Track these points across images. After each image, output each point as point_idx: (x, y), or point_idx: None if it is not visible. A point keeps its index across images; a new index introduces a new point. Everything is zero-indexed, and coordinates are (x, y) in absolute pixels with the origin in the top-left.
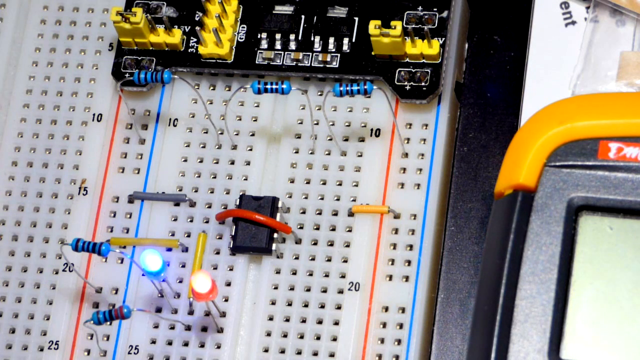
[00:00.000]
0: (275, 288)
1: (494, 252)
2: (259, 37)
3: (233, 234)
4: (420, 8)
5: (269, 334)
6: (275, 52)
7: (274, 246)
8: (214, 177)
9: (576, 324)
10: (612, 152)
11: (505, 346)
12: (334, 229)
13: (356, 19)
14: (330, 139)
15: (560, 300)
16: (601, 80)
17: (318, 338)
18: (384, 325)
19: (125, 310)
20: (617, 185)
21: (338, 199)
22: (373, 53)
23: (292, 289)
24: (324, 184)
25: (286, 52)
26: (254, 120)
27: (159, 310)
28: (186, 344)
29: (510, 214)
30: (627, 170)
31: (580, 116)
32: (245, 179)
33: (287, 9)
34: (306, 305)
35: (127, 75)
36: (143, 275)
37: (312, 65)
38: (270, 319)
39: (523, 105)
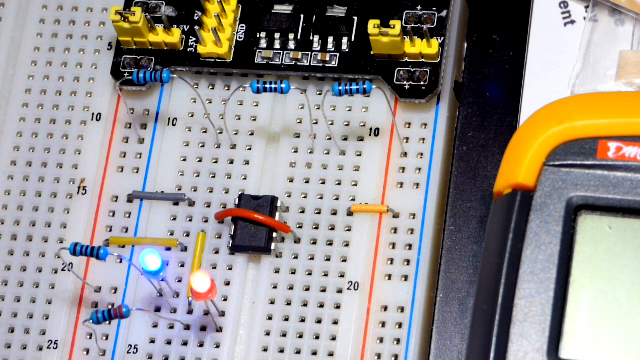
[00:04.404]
0: (275, 287)
1: (493, 252)
2: (258, 36)
3: (232, 233)
4: (419, 7)
5: (268, 334)
6: (275, 51)
7: (273, 245)
8: (213, 177)
9: (575, 324)
10: (611, 151)
11: (505, 345)
12: (333, 229)
13: (355, 18)
14: (330, 139)
15: (560, 300)
16: (600, 79)
17: (317, 337)
18: (383, 324)
19: (124, 309)
20: (616, 185)
21: (337, 199)
22: (372, 52)
23: (291, 288)
24: (323, 183)
25: (285, 52)
26: (253, 120)
27: (158, 309)
28: (185, 344)
29: (509, 214)
30: (626, 170)
31: (580, 116)
32: (245, 179)
33: (286, 9)
34: (305, 305)
35: (126, 74)
36: (142, 274)
37: (311, 64)
38: (270, 318)
39: (522, 104)
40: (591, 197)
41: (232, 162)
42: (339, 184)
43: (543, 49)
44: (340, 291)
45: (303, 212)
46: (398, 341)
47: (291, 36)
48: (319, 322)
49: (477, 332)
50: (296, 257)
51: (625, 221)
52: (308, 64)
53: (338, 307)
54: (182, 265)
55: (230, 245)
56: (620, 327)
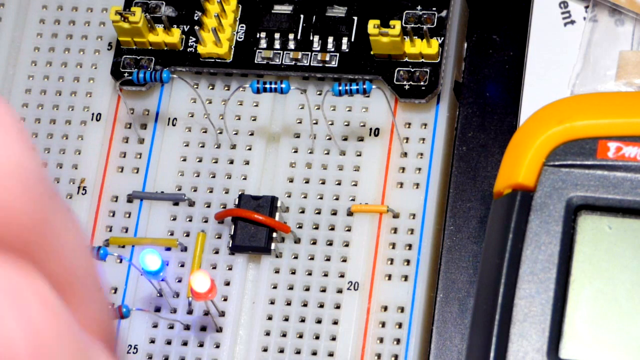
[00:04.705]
0: (274, 287)
1: (493, 252)
2: (258, 36)
3: (232, 233)
4: (419, 7)
5: (267, 334)
6: (274, 51)
7: (273, 245)
8: (213, 177)
9: (575, 324)
10: (611, 151)
11: (504, 345)
12: (333, 229)
13: (355, 18)
14: (329, 139)
15: (559, 300)
16: (600, 79)
17: (317, 337)
18: (383, 324)
19: (124, 309)
20: (616, 185)
21: (337, 199)
22: (372, 52)
23: (291, 288)
24: (323, 183)
25: (285, 52)
26: (253, 120)
27: (158, 309)
28: (185, 344)
29: (509, 214)
30: (626, 170)
31: (579, 116)
32: (244, 179)
33: (286, 9)
34: (305, 305)
35: (126, 74)
36: (142, 274)
37: (311, 64)
38: (269, 318)
39: (522, 104)
40: (591, 197)
41: (232, 162)
42: (339, 184)
43: (543, 49)
44: (340, 291)
45: (303, 212)
46: (398, 341)
47: (291, 36)
48: (319, 322)
49: (477, 332)
50: (296, 257)
51: (625, 221)
52: (308, 64)
53: (338, 307)
54: (182, 265)
55: (230, 245)
56: (620, 327)
